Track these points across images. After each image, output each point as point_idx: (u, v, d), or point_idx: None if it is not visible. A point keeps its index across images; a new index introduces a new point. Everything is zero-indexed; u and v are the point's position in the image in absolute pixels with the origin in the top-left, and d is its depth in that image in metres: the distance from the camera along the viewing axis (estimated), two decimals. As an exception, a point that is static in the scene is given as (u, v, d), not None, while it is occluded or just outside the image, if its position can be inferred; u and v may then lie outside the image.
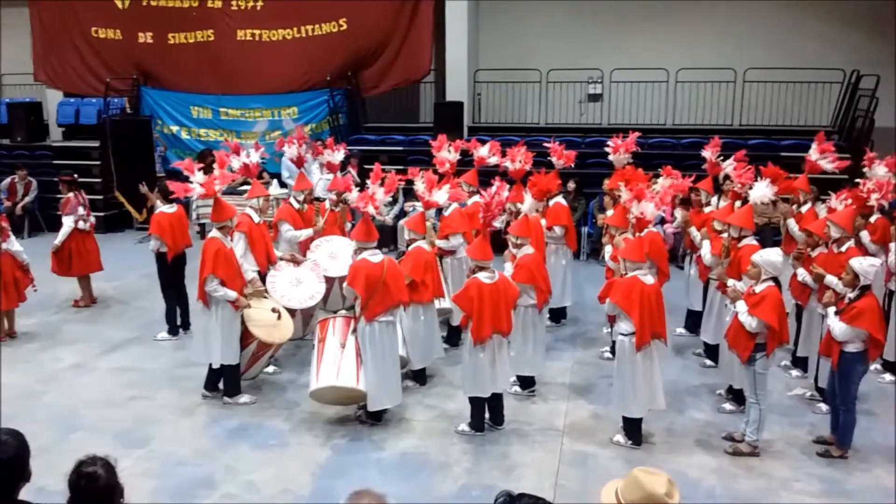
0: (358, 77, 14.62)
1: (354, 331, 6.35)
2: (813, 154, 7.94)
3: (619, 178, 7.72)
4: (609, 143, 9.11)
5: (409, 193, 8.29)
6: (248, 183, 9.02)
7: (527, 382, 7.11)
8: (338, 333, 6.44)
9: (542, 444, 6.21)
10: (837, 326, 5.71)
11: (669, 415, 6.56)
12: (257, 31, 14.68)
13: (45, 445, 5.81)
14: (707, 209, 8.15)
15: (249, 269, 7.29)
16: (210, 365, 6.92)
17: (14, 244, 8.59)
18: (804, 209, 7.88)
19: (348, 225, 8.85)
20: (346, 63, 14.47)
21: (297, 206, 8.46)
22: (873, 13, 13.20)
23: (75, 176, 10.14)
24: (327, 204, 8.87)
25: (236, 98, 14.84)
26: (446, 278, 8.06)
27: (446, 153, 8.77)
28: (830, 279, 6.33)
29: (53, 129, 16.01)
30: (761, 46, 13.57)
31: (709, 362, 7.71)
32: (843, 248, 6.65)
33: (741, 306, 5.84)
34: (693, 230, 7.96)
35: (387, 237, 11.22)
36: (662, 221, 8.98)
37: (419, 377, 7.34)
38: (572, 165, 9.13)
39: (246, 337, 6.90)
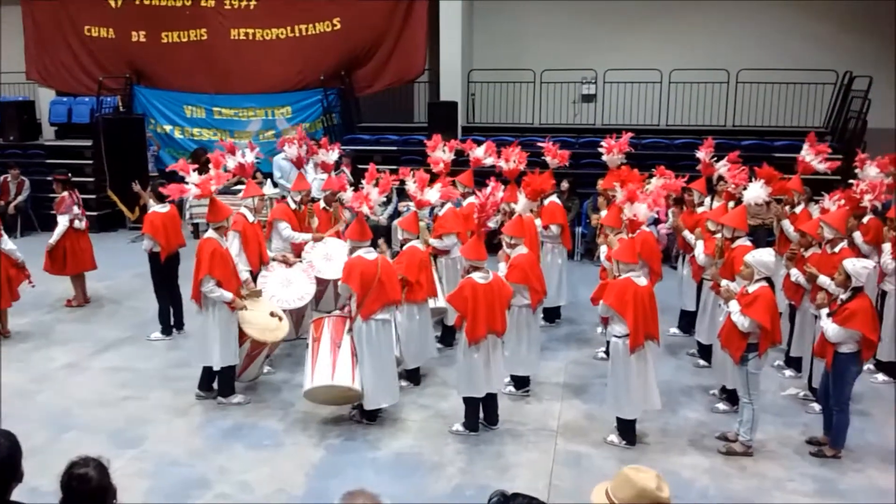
0: (352, 77, 14.58)
1: (350, 330, 6.35)
2: (805, 155, 7.98)
3: (614, 179, 7.74)
4: (603, 143, 9.15)
5: (403, 193, 8.28)
6: (241, 182, 9.02)
7: (521, 382, 7.12)
8: (333, 332, 6.42)
9: (536, 444, 6.22)
10: (830, 328, 5.73)
11: (663, 415, 6.58)
12: (251, 31, 14.62)
13: (37, 445, 5.79)
14: (700, 209, 8.18)
15: (243, 269, 7.30)
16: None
17: (7, 243, 8.56)
18: (798, 210, 7.92)
19: (342, 225, 8.84)
20: (339, 62, 14.42)
21: (293, 205, 8.46)
22: (866, 14, 13.25)
23: (69, 175, 10.09)
24: (321, 204, 8.87)
25: (230, 97, 14.78)
26: (440, 278, 8.07)
27: (441, 153, 8.78)
28: (823, 279, 6.37)
29: (46, 128, 15.89)
30: (754, 47, 13.61)
31: (702, 362, 7.73)
32: (837, 249, 6.68)
33: (734, 306, 5.86)
34: (686, 233, 7.98)
35: (381, 237, 11.19)
36: (656, 222, 9.00)
37: (413, 377, 7.34)
38: (566, 165, 9.17)
39: (239, 336, 6.88)
